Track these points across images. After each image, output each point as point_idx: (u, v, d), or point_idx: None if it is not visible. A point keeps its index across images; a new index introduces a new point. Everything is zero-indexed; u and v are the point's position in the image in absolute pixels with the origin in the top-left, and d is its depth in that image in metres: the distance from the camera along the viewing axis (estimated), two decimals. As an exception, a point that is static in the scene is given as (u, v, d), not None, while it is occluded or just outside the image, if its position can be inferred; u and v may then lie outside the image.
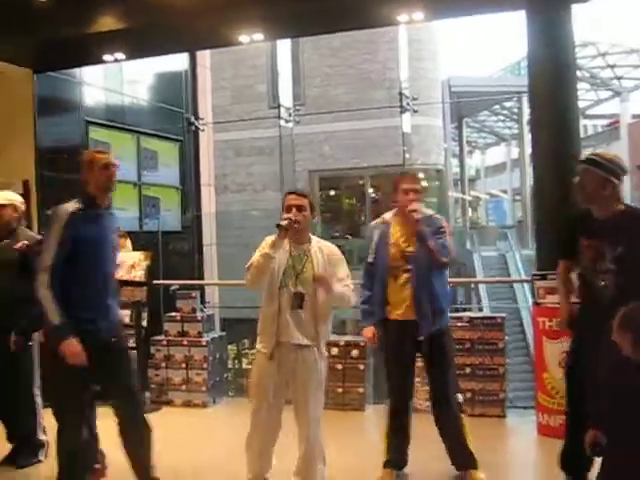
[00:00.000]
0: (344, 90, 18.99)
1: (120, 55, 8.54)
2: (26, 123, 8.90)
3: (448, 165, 22.17)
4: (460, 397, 4.85)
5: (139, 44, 8.26)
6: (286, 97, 17.28)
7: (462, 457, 4.70)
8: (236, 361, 8.21)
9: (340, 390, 6.93)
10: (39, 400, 5.68)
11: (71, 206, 4.20)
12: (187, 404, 7.32)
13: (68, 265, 4.08)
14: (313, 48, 18.92)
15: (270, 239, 4.29)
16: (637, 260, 3.91)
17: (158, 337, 7.69)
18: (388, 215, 4.84)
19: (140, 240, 8.44)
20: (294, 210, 4.30)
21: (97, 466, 5.09)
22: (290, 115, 15.09)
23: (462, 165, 31.39)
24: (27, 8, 7.55)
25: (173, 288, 7.46)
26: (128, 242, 8.17)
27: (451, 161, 24.81)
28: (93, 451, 5.05)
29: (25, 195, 8.53)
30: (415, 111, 14.27)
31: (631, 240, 3.94)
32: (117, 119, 10.52)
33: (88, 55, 8.63)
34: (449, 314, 4.98)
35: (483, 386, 6.50)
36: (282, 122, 14.71)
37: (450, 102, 21.04)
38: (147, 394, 7.45)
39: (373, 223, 4.96)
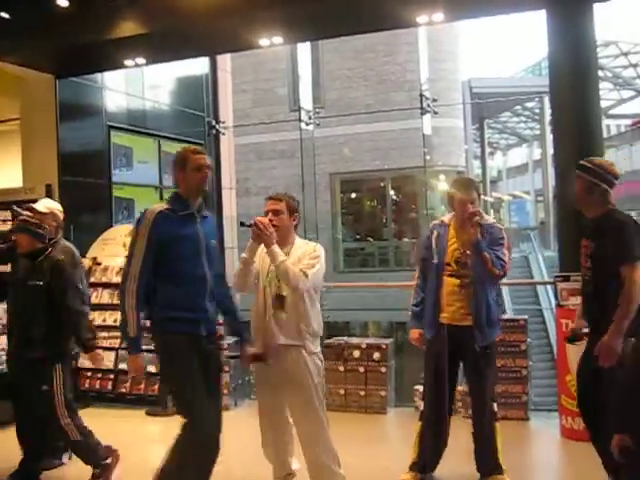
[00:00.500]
0: (364, 92, 18.98)
1: (141, 60, 8.60)
2: (49, 128, 8.98)
3: (469, 167, 22.08)
4: (495, 406, 4.77)
5: (160, 49, 8.30)
6: (306, 100, 17.27)
7: (488, 464, 4.68)
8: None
9: (362, 393, 6.93)
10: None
11: (159, 206, 4.07)
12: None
13: (161, 265, 3.98)
14: (333, 51, 18.92)
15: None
16: (604, 258, 4.10)
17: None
18: (447, 217, 4.85)
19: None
20: (270, 214, 4.35)
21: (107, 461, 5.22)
22: (310, 118, 15.06)
23: (484, 166, 31.21)
24: (49, 14, 7.62)
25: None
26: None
27: (472, 163, 24.71)
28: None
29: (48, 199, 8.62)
30: (435, 113, 14.20)
31: (602, 239, 4.14)
32: (138, 123, 10.57)
33: (109, 60, 8.70)
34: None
35: (506, 388, 6.47)
36: (303, 125, 14.68)
37: (471, 103, 20.94)
38: (169, 397, 7.47)
39: (432, 223, 4.99)
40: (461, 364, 4.84)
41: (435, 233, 4.80)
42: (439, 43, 18.57)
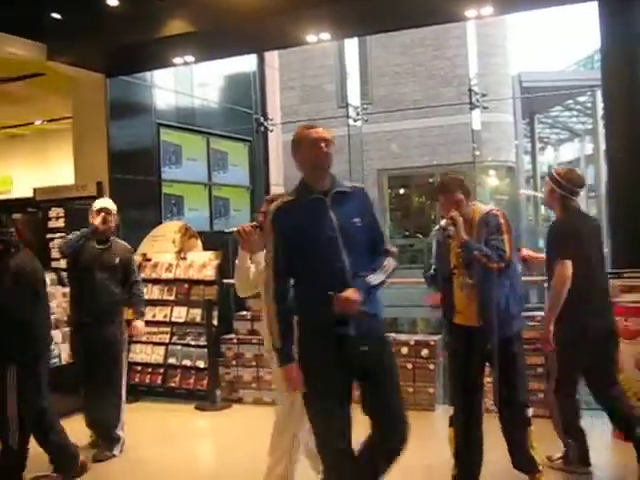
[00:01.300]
0: (412, 88, 18.88)
1: (190, 58, 8.67)
2: (99, 126, 9.11)
3: (520, 162, 21.80)
4: (530, 412, 4.50)
5: (208, 46, 8.38)
6: (354, 96, 17.24)
7: (523, 465, 4.55)
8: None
9: (410, 390, 6.89)
10: (123, 395, 5.87)
11: (279, 201, 3.68)
12: (257, 402, 7.38)
13: (294, 263, 3.56)
14: (381, 46, 18.85)
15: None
16: (548, 258, 4.82)
17: (228, 335, 7.77)
18: (444, 221, 4.51)
19: (211, 240, 8.52)
20: (261, 216, 4.29)
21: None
22: (358, 114, 15.05)
23: (534, 162, 30.79)
24: (99, 14, 7.74)
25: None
26: (199, 242, 8.29)
27: (523, 158, 24.38)
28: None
29: (99, 196, 8.75)
30: (485, 108, 14.08)
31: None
32: (187, 121, 10.66)
33: (159, 59, 8.79)
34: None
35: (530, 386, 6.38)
36: (350, 121, 14.68)
37: (521, 98, 20.68)
38: (218, 392, 7.54)
39: (434, 229, 4.79)
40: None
41: (434, 240, 4.66)
42: (488, 37, 18.38)
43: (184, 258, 8.13)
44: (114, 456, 5.79)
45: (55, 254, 9.00)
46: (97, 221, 6.00)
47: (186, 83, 10.73)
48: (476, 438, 4.51)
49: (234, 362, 7.60)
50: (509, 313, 4.41)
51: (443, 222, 4.54)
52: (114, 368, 5.97)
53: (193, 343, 7.83)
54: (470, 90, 13.46)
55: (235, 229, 4.23)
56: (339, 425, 3.55)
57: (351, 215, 3.56)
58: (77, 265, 6.03)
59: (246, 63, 12.00)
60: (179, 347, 7.93)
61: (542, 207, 34.05)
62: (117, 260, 6.09)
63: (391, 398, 3.61)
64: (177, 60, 8.76)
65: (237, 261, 4.36)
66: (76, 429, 5.70)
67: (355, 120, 14.81)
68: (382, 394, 3.59)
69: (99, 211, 6.08)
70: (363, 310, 3.46)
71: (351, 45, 17.90)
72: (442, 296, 4.60)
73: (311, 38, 8.03)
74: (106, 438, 5.90)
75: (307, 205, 3.56)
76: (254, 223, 4.33)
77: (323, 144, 3.57)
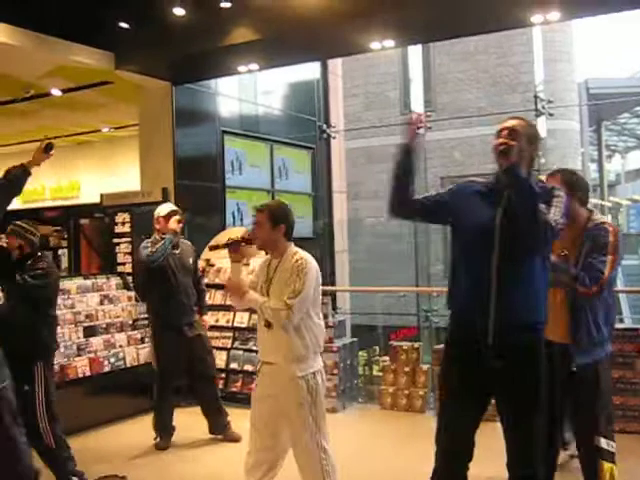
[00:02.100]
0: (476, 95, 18.71)
1: (254, 66, 8.75)
2: (165, 134, 9.25)
3: (586, 170, 21.42)
4: (613, 445, 3.97)
5: (272, 54, 8.43)
6: (417, 103, 17.17)
7: None
8: (366, 368, 8.20)
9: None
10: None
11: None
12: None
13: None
14: (444, 53, 18.74)
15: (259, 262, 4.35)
16: None
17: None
18: None
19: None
20: (251, 226, 4.32)
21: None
22: (422, 121, 14.97)
23: (601, 170, 30.27)
24: (165, 23, 7.86)
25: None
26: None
27: (589, 166, 23.98)
28: None
29: (164, 202, 8.89)
30: (551, 115, 13.85)
31: None
32: (251, 128, 10.76)
33: (223, 67, 8.89)
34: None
35: (623, 401, 6.23)
36: (413, 129, 14.61)
37: (588, 105, 20.33)
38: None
39: None
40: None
41: None
42: (554, 43, 18.12)
43: (247, 264, 8.18)
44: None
45: (121, 258, 9.19)
46: (174, 226, 6.20)
47: (250, 91, 10.83)
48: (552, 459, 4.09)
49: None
50: (602, 336, 3.99)
51: None
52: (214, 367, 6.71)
53: (255, 348, 7.88)
54: (536, 97, 13.26)
55: (224, 243, 4.19)
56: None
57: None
58: (161, 271, 6.22)
59: (310, 70, 12.06)
60: (241, 352, 7.99)
61: (609, 216, 33.42)
62: (191, 261, 6.37)
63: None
64: (241, 68, 8.85)
65: (229, 274, 4.24)
66: (142, 430, 5.81)
67: (418, 127, 14.73)
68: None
69: (169, 215, 6.21)
70: None
71: (414, 52, 17.85)
72: None
73: (375, 45, 8.03)
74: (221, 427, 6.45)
75: (479, 195, 3.62)
76: (244, 235, 4.26)
77: (504, 132, 3.56)
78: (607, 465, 3.92)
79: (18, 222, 5.57)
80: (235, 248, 4.19)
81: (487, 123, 17.79)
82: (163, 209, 6.35)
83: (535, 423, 3.42)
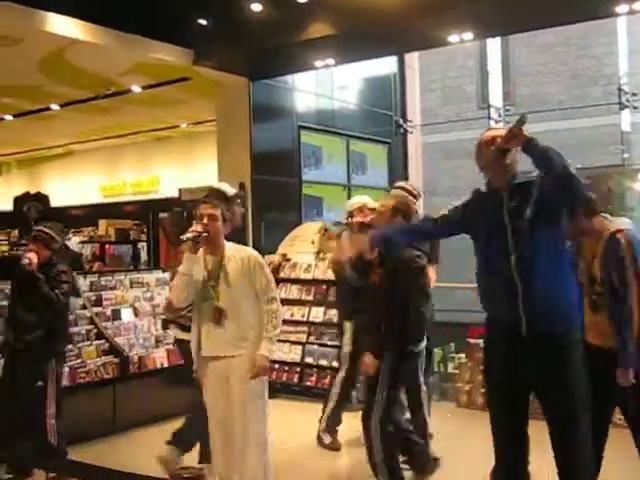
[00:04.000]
0: (556, 88, 18.30)
1: (330, 61, 8.74)
2: (242, 129, 9.32)
3: (670, 165, 20.75)
4: None
5: (349, 49, 8.41)
6: (496, 97, 16.89)
7: None
8: (441, 365, 8.10)
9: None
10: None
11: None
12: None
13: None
14: (524, 46, 18.36)
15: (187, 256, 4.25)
16: None
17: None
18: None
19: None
20: (205, 219, 4.24)
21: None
22: (500, 115, 14.71)
23: (687, 164, 29.33)
24: (243, 19, 7.91)
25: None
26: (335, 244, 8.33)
27: (674, 160, 23.23)
28: None
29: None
30: (635, 108, 13.44)
31: None
32: (327, 123, 10.75)
33: (300, 62, 8.91)
34: None
35: None
36: (492, 123, 14.36)
37: (674, 97, 19.67)
38: (354, 393, 7.53)
39: None
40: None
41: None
42: (639, 34, 17.58)
43: (323, 259, 8.19)
44: None
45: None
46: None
47: (326, 86, 10.83)
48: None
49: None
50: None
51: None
52: None
53: (330, 343, 7.86)
54: (620, 89, 12.88)
55: (190, 234, 4.17)
56: None
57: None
58: None
59: (386, 65, 11.98)
60: (316, 347, 7.99)
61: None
62: None
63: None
64: (318, 63, 8.85)
65: (182, 269, 4.22)
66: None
67: (497, 121, 14.47)
68: None
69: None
70: None
71: (493, 45, 17.55)
72: None
73: (453, 38, 7.93)
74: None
75: (485, 204, 3.67)
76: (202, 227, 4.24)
77: (495, 141, 3.65)
78: None
79: (44, 228, 5.50)
80: (196, 241, 4.19)
81: (568, 116, 17.43)
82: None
83: (576, 416, 3.41)
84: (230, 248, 4.35)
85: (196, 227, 4.21)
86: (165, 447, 5.19)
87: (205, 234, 4.20)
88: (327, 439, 6.16)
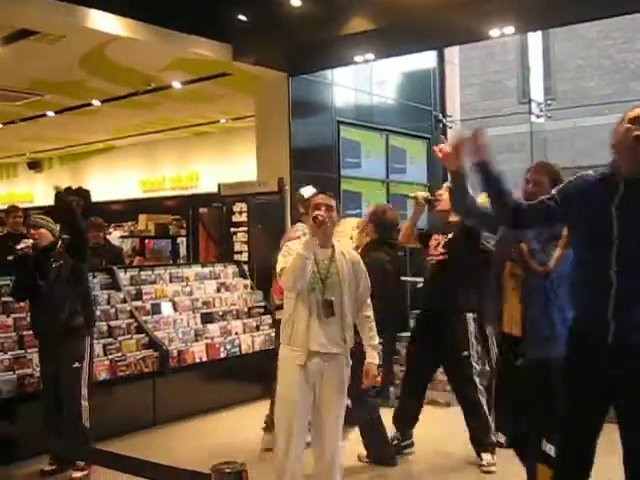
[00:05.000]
0: (598, 82, 18.05)
1: (370, 55, 8.71)
2: (281, 124, 9.33)
3: None
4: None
5: (389, 44, 8.36)
6: (537, 91, 16.72)
7: None
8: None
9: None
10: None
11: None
12: (431, 402, 7.27)
13: None
14: (564, 40, 18.14)
15: (294, 244, 4.16)
16: None
17: (404, 333, 7.72)
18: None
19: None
20: (323, 209, 4.12)
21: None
22: (541, 110, 14.57)
23: None
24: (283, 14, 7.91)
25: (420, 285, 7.44)
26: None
27: None
28: None
29: (280, 192, 8.97)
30: (678, 103, 13.22)
31: None
32: (366, 118, 10.71)
33: (339, 57, 8.88)
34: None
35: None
36: (533, 117, 14.22)
37: None
38: (392, 389, 7.51)
39: None
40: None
41: None
42: (683, 28, 17.28)
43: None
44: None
45: (238, 247, 9.35)
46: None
47: (365, 81, 10.78)
48: None
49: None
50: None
51: None
52: None
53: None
54: (664, 83, 12.67)
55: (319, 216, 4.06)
56: None
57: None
58: None
59: (425, 59, 11.89)
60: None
61: None
62: None
63: None
64: (357, 58, 8.82)
65: (302, 251, 4.02)
66: (256, 415, 5.89)
67: (538, 116, 14.32)
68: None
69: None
70: None
71: (534, 39, 17.37)
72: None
73: (494, 32, 7.84)
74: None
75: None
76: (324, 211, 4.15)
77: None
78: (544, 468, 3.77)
79: (37, 216, 5.77)
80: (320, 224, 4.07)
81: (611, 111, 17.14)
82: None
83: None
84: (338, 245, 4.30)
85: (320, 212, 4.09)
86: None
87: (326, 223, 4.09)
88: None
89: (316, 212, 4.08)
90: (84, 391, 5.47)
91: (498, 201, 3.39)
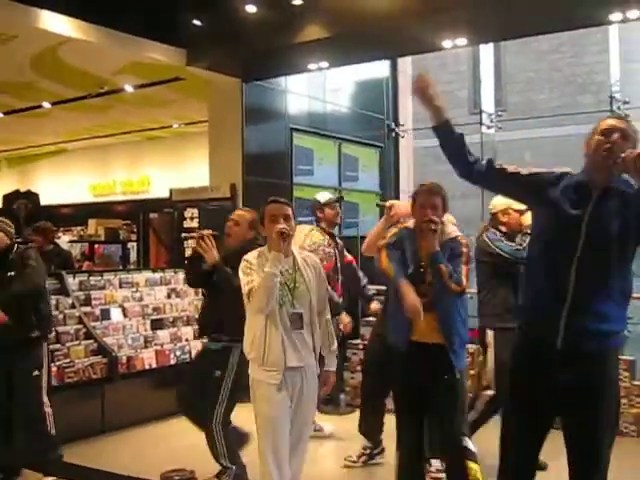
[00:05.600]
0: (548, 95, 18.38)
1: (324, 63, 8.75)
2: (234, 130, 9.31)
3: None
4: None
5: (343, 52, 8.42)
6: (488, 103, 16.92)
7: None
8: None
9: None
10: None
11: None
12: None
13: None
14: (516, 52, 18.46)
15: (253, 258, 3.95)
16: None
17: (354, 341, 7.77)
18: (411, 223, 4.33)
19: (340, 245, 8.56)
20: (281, 220, 3.94)
21: None
22: (492, 121, 14.72)
23: (676, 173, 29.49)
24: (237, 20, 7.91)
25: (371, 293, 7.50)
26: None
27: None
28: None
29: (232, 198, 8.95)
30: (627, 115, 13.48)
31: None
32: (319, 126, 10.74)
33: (294, 64, 8.90)
34: None
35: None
36: (484, 128, 14.36)
37: (664, 106, 19.75)
38: (342, 396, 7.54)
39: (398, 228, 4.62)
40: None
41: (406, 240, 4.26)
42: (630, 42, 17.66)
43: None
44: None
45: (189, 253, 9.29)
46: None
47: (319, 88, 10.82)
48: None
49: (359, 367, 7.57)
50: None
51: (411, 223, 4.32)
52: None
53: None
54: (611, 97, 12.92)
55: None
56: None
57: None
58: None
59: (379, 69, 11.98)
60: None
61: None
62: None
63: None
64: (312, 66, 8.85)
65: (271, 269, 3.80)
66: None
67: (488, 127, 14.48)
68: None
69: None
70: None
71: (485, 50, 17.60)
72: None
73: (447, 43, 7.94)
74: None
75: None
76: (211, 232, 4.19)
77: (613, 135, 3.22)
78: (474, 465, 4.02)
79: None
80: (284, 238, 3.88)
81: (560, 124, 17.48)
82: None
83: (605, 445, 3.18)
84: (297, 251, 4.14)
85: (284, 226, 3.88)
86: None
87: (291, 236, 3.96)
88: None
89: (279, 227, 3.85)
90: (45, 398, 5.42)
91: (460, 152, 3.64)
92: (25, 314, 5.32)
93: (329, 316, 4.21)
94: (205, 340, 5.41)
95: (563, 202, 3.22)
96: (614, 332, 3.21)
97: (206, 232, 4.68)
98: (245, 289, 3.87)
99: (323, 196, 6.60)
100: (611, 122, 3.26)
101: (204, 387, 5.03)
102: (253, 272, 3.88)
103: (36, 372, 5.35)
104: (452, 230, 4.29)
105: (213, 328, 5.13)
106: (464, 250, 4.16)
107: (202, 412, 4.98)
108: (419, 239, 4.14)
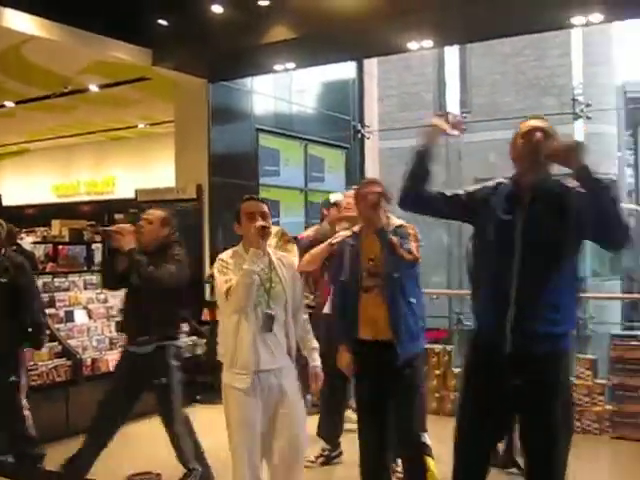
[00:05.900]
0: (513, 97, 18.53)
1: (290, 64, 8.75)
2: (201, 131, 9.28)
3: (622, 175, 21.13)
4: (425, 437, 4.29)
5: (309, 53, 8.43)
6: (453, 104, 17.04)
7: None
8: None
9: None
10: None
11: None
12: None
13: None
14: (481, 55, 18.59)
15: (228, 258, 3.88)
16: None
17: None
18: (357, 228, 4.42)
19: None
20: (259, 217, 3.86)
21: None
22: (457, 123, 14.84)
23: (637, 175, 29.82)
24: (203, 21, 7.89)
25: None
26: (295, 247, 8.31)
27: (625, 171, 23.66)
28: None
29: (198, 199, 8.92)
30: (588, 118, 13.65)
31: None
32: (286, 127, 10.75)
33: (260, 65, 8.90)
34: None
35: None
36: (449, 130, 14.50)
37: (626, 108, 20.04)
38: (309, 397, 7.53)
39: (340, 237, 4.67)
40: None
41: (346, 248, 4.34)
42: (592, 45, 17.88)
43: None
44: None
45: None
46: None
47: (285, 89, 10.82)
48: None
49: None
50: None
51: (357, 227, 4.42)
52: None
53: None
54: (574, 100, 13.07)
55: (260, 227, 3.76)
56: None
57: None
58: None
59: (345, 70, 12.02)
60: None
61: (644, 222, 32.81)
62: None
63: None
64: (278, 66, 8.85)
65: (251, 266, 3.70)
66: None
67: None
68: None
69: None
70: None
71: (451, 53, 17.74)
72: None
73: (413, 45, 7.99)
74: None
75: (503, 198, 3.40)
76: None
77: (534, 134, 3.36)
78: (430, 460, 4.18)
79: None
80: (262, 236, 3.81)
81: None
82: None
83: (560, 445, 3.19)
84: (272, 251, 4.05)
85: (262, 223, 3.79)
86: None
87: (270, 233, 3.89)
88: None
89: (259, 223, 3.77)
90: (24, 401, 5.38)
91: (419, 179, 3.55)
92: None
93: (306, 315, 4.15)
94: (130, 348, 5.13)
95: (498, 210, 3.27)
96: (563, 333, 3.23)
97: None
98: (223, 288, 3.75)
99: (335, 196, 6.63)
100: (531, 123, 3.39)
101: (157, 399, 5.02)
102: (229, 271, 3.79)
103: (13, 377, 5.27)
104: (397, 220, 4.35)
105: (139, 330, 4.95)
106: (411, 232, 4.26)
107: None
108: (365, 230, 4.27)
